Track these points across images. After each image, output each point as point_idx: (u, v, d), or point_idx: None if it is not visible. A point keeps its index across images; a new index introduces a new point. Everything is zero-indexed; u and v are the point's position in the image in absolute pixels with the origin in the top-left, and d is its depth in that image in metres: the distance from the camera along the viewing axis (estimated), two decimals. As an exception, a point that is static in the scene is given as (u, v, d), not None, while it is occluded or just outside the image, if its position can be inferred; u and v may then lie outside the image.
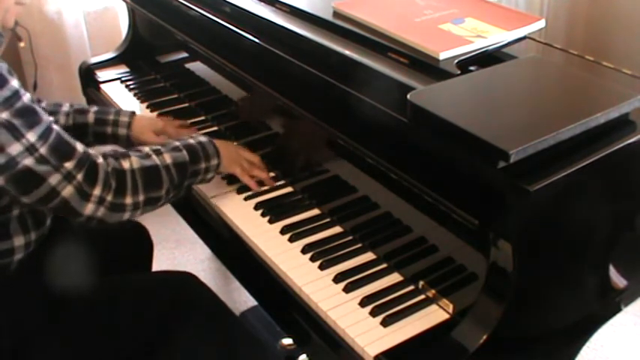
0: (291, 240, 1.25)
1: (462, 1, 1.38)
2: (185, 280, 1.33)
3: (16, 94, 1.07)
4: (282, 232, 1.27)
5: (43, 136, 1.08)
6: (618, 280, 1.11)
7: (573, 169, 0.93)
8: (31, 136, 1.07)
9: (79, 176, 1.11)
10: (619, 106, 0.98)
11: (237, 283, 1.47)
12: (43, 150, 1.08)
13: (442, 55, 1.16)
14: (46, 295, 1.21)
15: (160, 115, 1.75)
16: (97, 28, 2.53)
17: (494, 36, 1.22)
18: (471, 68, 1.16)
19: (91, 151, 1.16)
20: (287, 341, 1.82)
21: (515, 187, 0.90)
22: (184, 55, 1.82)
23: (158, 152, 1.25)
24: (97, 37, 2.53)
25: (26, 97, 1.09)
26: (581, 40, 1.41)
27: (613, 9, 1.56)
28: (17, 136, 1.05)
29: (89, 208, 1.13)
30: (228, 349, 1.23)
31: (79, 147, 1.14)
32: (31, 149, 1.07)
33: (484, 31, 1.24)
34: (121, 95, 1.88)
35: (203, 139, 1.33)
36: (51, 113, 1.51)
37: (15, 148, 1.05)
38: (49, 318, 1.21)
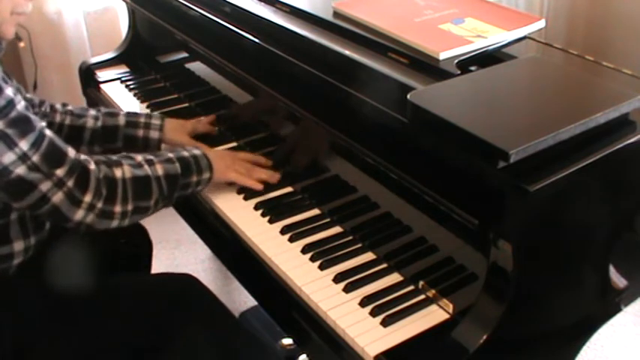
0: (291, 240, 1.25)
1: (462, 1, 1.38)
2: (185, 282, 1.33)
3: (10, 104, 1.08)
4: (282, 232, 1.27)
5: (36, 144, 1.10)
6: (618, 280, 1.11)
7: (573, 169, 0.93)
8: (24, 145, 1.08)
9: (70, 183, 1.13)
10: (619, 106, 0.98)
11: (237, 283, 1.47)
12: (35, 158, 1.09)
13: (442, 55, 1.16)
14: (47, 296, 1.21)
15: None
16: (97, 28, 2.53)
17: (494, 36, 1.22)
18: (471, 68, 1.16)
19: (83, 156, 1.17)
20: (287, 341, 1.82)
21: (515, 187, 0.90)
22: (184, 55, 1.82)
23: (150, 162, 1.24)
24: (97, 37, 2.53)
25: (20, 105, 1.10)
26: (581, 40, 1.41)
27: (613, 9, 1.56)
28: (10, 145, 1.07)
29: (79, 214, 1.15)
30: (228, 349, 1.23)
31: (71, 152, 1.15)
32: (23, 158, 1.08)
33: (484, 31, 1.24)
34: (121, 95, 1.88)
35: (197, 152, 1.32)
36: (78, 116, 1.52)
37: (8, 157, 1.07)
38: (50, 319, 1.21)
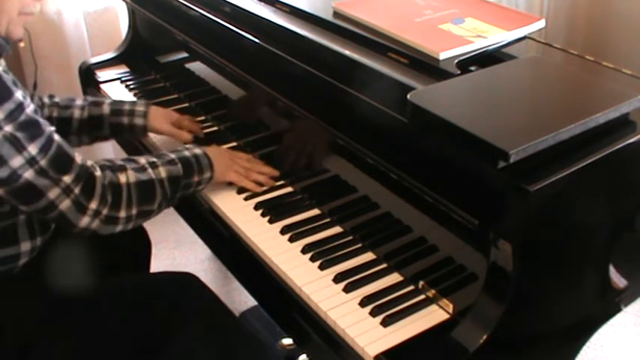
0: (291, 240, 1.25)
1: (462, 1, 1.38)
2: (186, 281, 1.33)
3: (20, 107, 1.08)
4: (282, 232, 1.27)
5: (44, 149, 1.10)
6: (618, 280, 1.11)
7: (573, 169, 0.93)
8: (33, 149, 1.08)
9: (77, 190, 1.13)
10: (619, 106, 0.98)
11: (237, 283, 1.46)
12: (43, 162, 1.09)
13: (442, 55, 1.16)
14: (48, 296, 1.21)
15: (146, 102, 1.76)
16: (97, 28, 2.53)
17: (494, 36, 1.22)
18: (471, 68, 1.16)
19: (89, 162, 1.17)
20: (287, 341, 1.82)
21: (515, 187, 0.90)
22: (184, 55, 1.82)
23: (154, 165, 1.25)
24: (97, 37, 2.53)
25: (29, 108, 1.10)
26: (581, 40, 1.41)
27: (613, 9, 1.56)
28: (19, 148, 1.07)
29: (84, 221, 1.15)
30: (228, 349, 1.23)
31: (78, 158, 1.15)
32: (31, 162, 1.08)
33: (484, 31, 1.24)
34: (121, 95, 1.88)
35: (198, 151, 1.33)
36: (65, 107, 1.53)
37: (17, 161, 1.07)
38: (50, 319, 1.21)
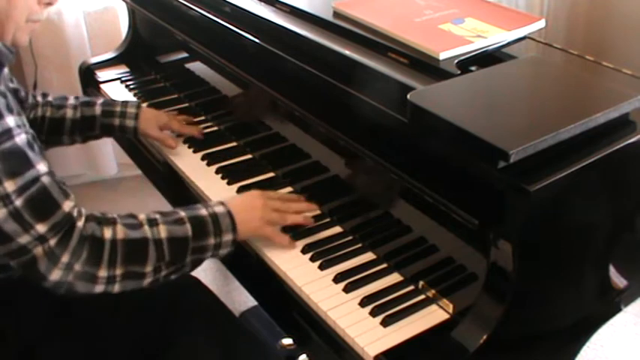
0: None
1: (462, 1, 1.38)
2: (186, 282, 1.33)
3: (7, 133, 0.99)
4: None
5: (24, 188, 0.99)
6: (618, 280, 1.11)
7: (573, 169, 0.93)
8: (9, 186, 0.98)
9: (53, 241, 1.02)
10: (619, 106, 0.98)
11: (237, 283, 1.47)
12: (18, 203, 0.98)
13: (442, 55, 1.16)
14: (48, 298, 1.21)
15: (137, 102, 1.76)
16: (97, 28, 2.54)
17: (494, 36, 1.22)
18: (471, 68, 1.16)
19: (76, 211, 1.05)
20: (287, 341, 1.82)
21: (515, 187, 0.90)
22: (184, 55, 1.82)
23: (153, 223, 1.11)
24: (97, 37, 2.54)
25: (20, 138, 1.01)
26: (581, 40, 1.41)
27: (613, 9, 1.56)
28: None
29: (56, 274, 1.03)
30: (228, 349, 1.23)
31: (67, 206, 1.04)
32: (5, 199, 0.98)
33: (484, 31, 1.24)
34: (121, 95, 1.88)
35: (219, 209, 1.16)
36: (58, 107, 1.52)
37: None
38: (51, 321, 1.21)
